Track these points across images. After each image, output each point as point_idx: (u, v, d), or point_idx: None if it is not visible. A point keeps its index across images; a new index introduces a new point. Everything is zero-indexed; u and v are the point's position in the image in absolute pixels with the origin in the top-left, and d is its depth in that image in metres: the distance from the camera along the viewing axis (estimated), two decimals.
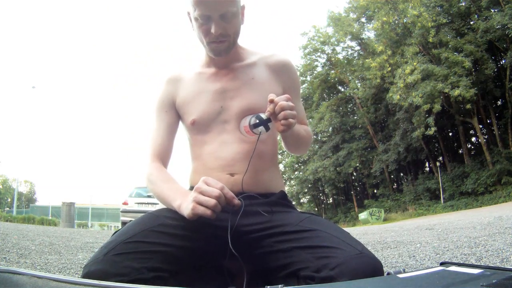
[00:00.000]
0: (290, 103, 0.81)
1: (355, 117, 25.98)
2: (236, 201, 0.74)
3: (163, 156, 0.97)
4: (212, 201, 0.70)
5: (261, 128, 0.84)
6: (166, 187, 0.86)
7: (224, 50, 0.90)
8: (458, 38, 17.62)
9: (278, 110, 0.80)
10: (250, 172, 0.88)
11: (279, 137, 1.01)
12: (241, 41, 0.98)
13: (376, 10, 20.18)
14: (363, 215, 19.39)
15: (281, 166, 27.05)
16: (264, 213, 0.82)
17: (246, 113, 0.90)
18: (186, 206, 0.74)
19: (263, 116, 0.84)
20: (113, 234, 0.74)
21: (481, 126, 19.17)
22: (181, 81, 1.00)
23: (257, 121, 0.84)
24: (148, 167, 0.94)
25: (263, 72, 0.98)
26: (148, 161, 0.95)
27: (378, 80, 20.22)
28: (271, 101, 0.81)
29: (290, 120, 0.80)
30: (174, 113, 1.00)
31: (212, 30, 0.85)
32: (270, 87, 0.95)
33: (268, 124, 0.84)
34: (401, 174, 25.43)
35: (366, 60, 21.08)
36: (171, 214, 0.80)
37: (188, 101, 0.97)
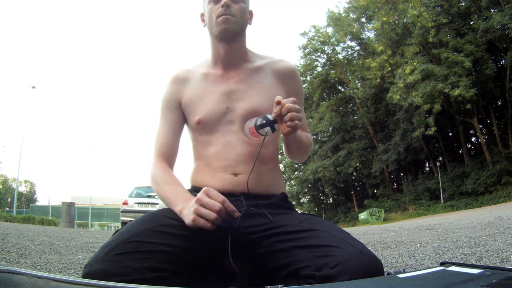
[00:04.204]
0: (297, 106, 0.82)
1: (355, 117, 25.97)
2: (237, 214, 0.75)
3: (169, 156, 0.97)
4: (213, 215, 0.71)
5: (267, 128, 0.84)
6: (169, 189, 0.86)
7: (231, 24, 0.91)
8: (458, 38, 17.61)
9: (285, 112, 0.80)
10: (253, 173, 0.89)
11: (280, 141, 1.01)
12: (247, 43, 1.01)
13: (376, 10, 20.17)
14: (363, 215, 19.38)
15: (281, 166, 26.82)
16: (268, 214, 0.82)
17: (251, 115, 0.91)
18: (186, 214, 0.75)
19: (270, 117, 0.84)
20: (113, 234, 0.75)
21: (481, 126, 19.16)
22: (187, 80, 1.00)
23: (264, 121, 0.84)
24: (153, 167, 0.94)
25: (269, 77, 0.98)
26: (153, 161, 0.95)
27: (378, 80, 20.22)
28: (278, 103, 0.81)
29: (296, 121, 0.81)
30: (179, 112, 1.00)
31: (222, 1, 0.90)
32: (275, 92, 0.95)
33: (274, 125, 0.84)
34: (401, 174, 25.42)
35: (366, 60, 21.08)
36: (171, 214, 0.80)
37: (194, 101, 0.97)
